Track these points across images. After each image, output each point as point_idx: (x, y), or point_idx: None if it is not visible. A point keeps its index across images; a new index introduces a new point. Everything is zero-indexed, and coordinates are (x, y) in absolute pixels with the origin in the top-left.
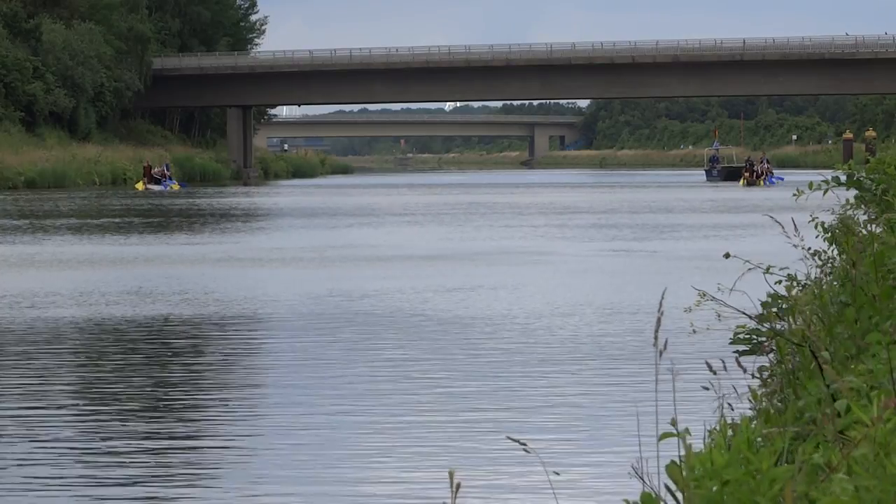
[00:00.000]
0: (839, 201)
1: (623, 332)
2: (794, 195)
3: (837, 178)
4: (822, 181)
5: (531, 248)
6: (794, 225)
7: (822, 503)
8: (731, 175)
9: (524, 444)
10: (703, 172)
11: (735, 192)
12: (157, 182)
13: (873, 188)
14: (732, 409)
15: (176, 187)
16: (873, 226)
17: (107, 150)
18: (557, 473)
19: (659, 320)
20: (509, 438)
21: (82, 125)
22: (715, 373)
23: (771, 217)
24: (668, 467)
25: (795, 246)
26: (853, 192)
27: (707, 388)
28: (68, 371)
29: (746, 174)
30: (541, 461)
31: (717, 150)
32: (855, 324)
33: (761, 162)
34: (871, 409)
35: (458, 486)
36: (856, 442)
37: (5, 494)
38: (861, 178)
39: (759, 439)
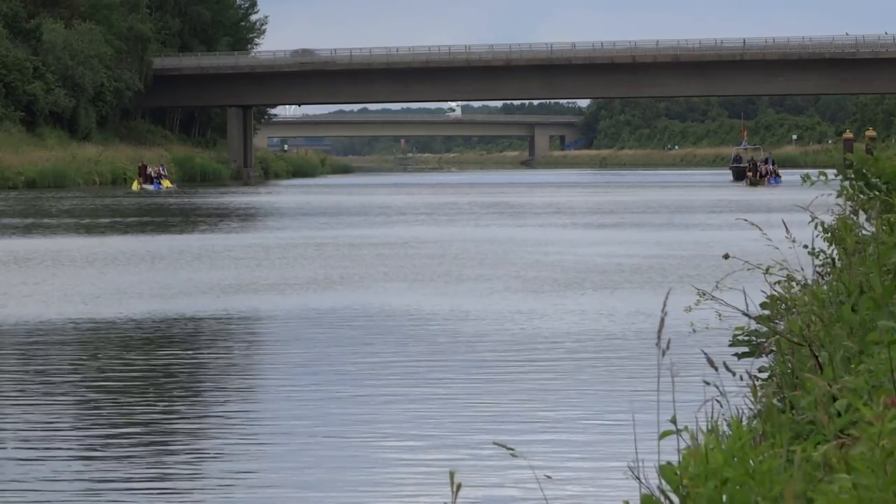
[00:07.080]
0: (838, 202)
1: (623, 332)
2: (803, 182)
3: (843, 169)
4: (826, 172)
5: (529, 247)
6: (786, 227)
7: (821, 503)
8: (740, 175)
9: (511, 449)
10: (729, 171)
11: (735, 192)
12: (152, 182)
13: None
14: (732, 409)
15: (169, 184)
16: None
17: (107, 150)
18: (549, 476)
19: (662, 320)
20: (495, 443)
21: (82, 125)
22: (717, 369)
23: (746, 220)
24: (662, 468)
25: (777, 248)
26: (852, 194)
27: (708, 383)
28: (67, 368)
29: (750, 174)
30: (530, 465)
31: (745, 149)
32: (854, 318)
33: (765, 162)
34: (871, 409)
35: (459, 486)
36: (854, 441)
37: (5, 494)
38: (866, 172)
39: (758, 439)
